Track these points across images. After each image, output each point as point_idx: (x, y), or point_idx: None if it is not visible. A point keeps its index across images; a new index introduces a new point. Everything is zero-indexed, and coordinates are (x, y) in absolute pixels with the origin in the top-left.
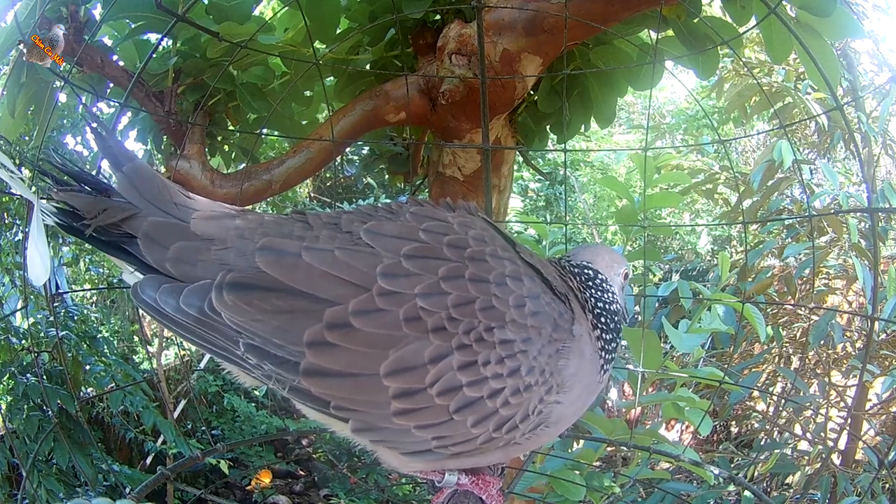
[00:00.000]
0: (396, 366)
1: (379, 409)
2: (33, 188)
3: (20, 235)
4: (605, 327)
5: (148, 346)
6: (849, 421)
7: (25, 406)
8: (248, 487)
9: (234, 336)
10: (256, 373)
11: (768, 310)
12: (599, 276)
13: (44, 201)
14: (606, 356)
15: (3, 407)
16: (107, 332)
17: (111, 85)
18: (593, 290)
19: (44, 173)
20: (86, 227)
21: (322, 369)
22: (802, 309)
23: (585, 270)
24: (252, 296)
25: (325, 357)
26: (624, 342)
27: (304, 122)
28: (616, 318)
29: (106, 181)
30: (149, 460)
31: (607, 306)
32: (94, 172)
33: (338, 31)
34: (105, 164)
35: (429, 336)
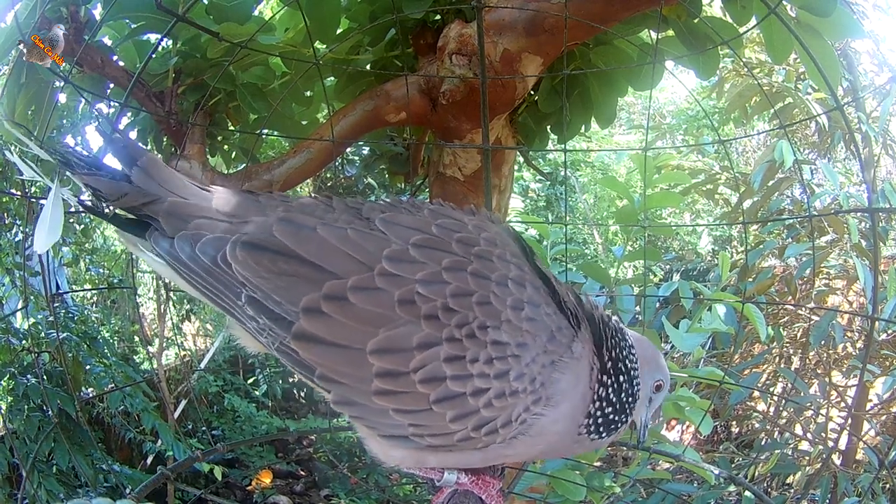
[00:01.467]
0: (384, 345)
1: (361, 385)
2: (36, 185)
3: (20, 235)
4: (622, 383)
5: (148, 347)
6: (849, 421)
7: (26, 406)
8: (249, 487)
9: (238, 288)
10: (251, 325)
11: (769, 310)
12: (635, 351)
13: (65, 190)
14: (603, 406)
15: (4, 407)
16: (107, 332)
17: (111, 85)
18: (621, 341)
19: (65, 163)
20: (109, 208)
21: (312, 336)
22: (803, 309)
23: (626, 338)
24: (263, 257)
25: (317, 325)
26: None
27: (304, 122)
28: (626, 406)
29: (122, 172)
30: (149, 460)
31: (632, 369)
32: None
33: (338, 31)
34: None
35: (420, 322)
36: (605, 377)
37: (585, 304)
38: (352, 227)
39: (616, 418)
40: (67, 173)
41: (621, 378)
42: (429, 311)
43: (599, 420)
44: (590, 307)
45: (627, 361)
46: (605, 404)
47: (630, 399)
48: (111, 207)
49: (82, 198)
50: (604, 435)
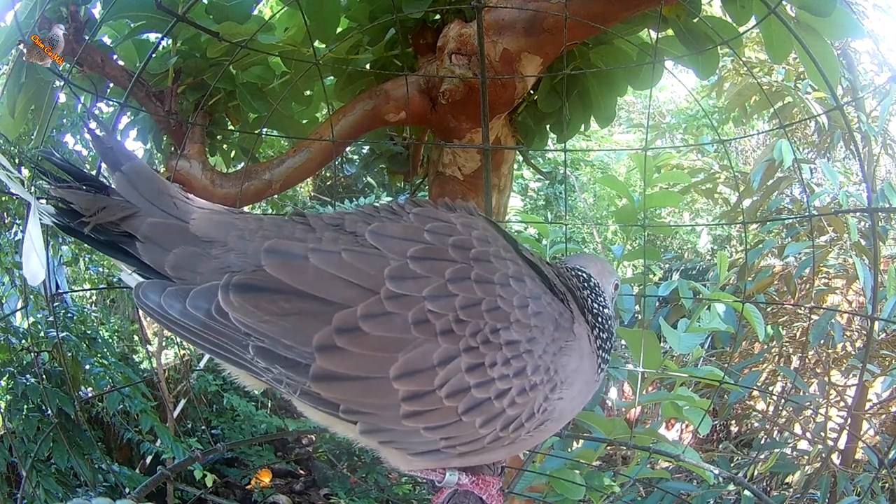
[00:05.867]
0: (406, 369)
1: (388, 412)
2: (32, 188)
3: (20, 235)
4: (601, 327)
5: (148, 346)
6: (848, 420)
7: (25, 406)
8: (248, 487)
9: (243, 339)
10: (266, 376)
11: (768, 309)
12: (593, 279)
13: (42, 201)
14: (603, 355)
15: (3, 407)
16: (106, 331)
17: (111, 85)
18: (588, 292)
19: (42, 172)
20: (84, 224)
21: (331, 374)
22: (802, 308)
23: (580, 273)
24: (259, 298)
25: (335, 361)
26: (623, 341)
27: (304, 122)
28: (609, 322)
29: (105, 181)
30: (148, 460)
31: (602, 309)
32: (93, 173)
33: (338, 30)
34: (105, 166)
35: (437, 339)
36: (597, 331)
37: (561, 274)
38: (343, 248)
39: (612, 341)
40: (43, 185)
41: (604, 313)
42: (443, 327)
43: (604, 357)
44: (565, 276)
45: (597, 303)
46: (603, 342)
47: (610, 321)
48: (85, 227)
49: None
50: (608, 359)
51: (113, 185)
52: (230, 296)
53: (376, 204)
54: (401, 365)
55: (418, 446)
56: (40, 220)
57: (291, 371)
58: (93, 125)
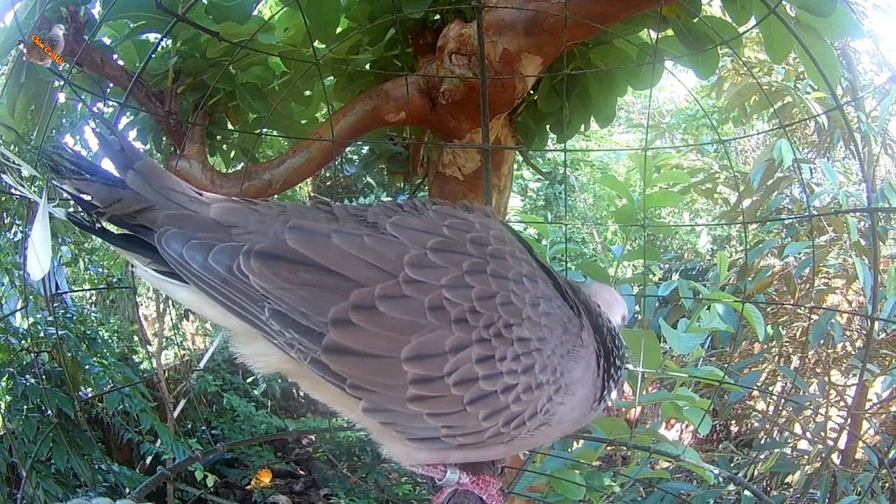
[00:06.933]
0: (418, 351)
1: (395, 393)
2: (35, 185)
3: (20, 235)
4: (613, 354)
5: (147, 347)
6: (849, 420)
7: (25, 407)
8: (248, 487)
9: (261, 300)
10: (279, 339)
11: (768, 309)
12: (602, 310)
13: (51, 203)
14: (608, 382)
15: (3, 407)
16: (106, 331)
17: (111, 85)
18: (606, 320)
19: (55, 170)
20: (101, 215)
21: (343, 348)
22: (802, 308)
23: (606, 317)
24: (280, 266)
25: (348, 336)
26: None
27: (303, 122)
28: (620, 354)
29: (117, 176)
30: (148, 461)
31: (615, 340)
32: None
33: (337, 30)
34: (105, 164)
35: (451, 326)
36: (609, 357)
37: (579, 291)
38: (366, 234)
39: (617, 375)
40: (54, 182)
41: (617, 345)
42: (458, 315)
43: (606, 389)
44: (583, 294)
45: (616, 339)
46: (610, 373)
47: (621, 357)
48: (101, 218)
49: (70, 210)
50: (611, 393)
51: (126, 181)
52: (251, 262)
53: (399, 201)
54: (413, 347)
55: (419, 431)
56: (52, 215)
57: (305, 338)
58: (93, 125)
